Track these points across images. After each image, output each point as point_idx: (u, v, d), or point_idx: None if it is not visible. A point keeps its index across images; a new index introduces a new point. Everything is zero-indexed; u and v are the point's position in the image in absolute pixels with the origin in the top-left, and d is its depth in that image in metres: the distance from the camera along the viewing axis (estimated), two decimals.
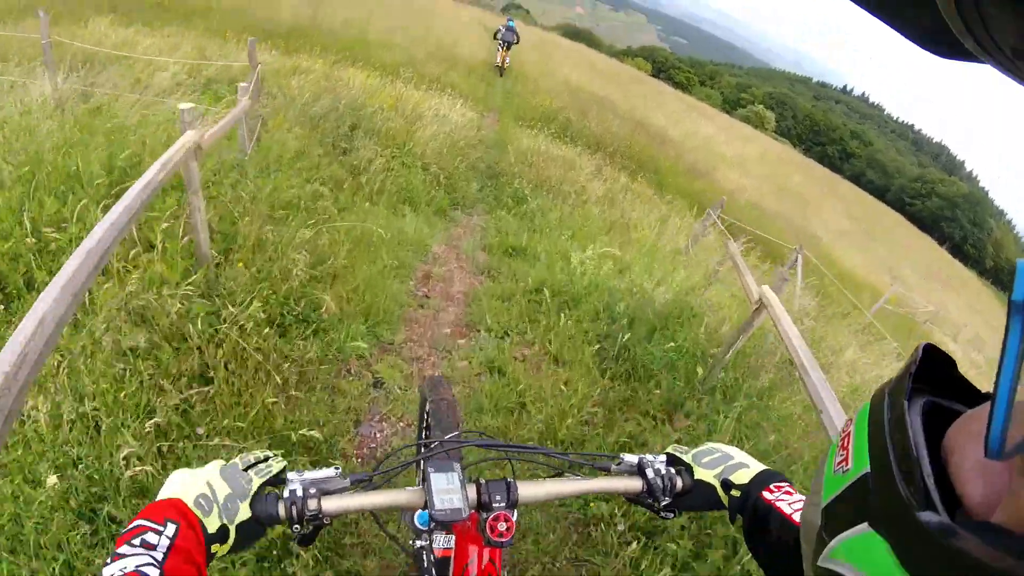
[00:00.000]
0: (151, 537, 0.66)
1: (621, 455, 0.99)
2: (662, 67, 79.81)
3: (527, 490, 0.91)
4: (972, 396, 0.35)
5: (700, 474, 0.93)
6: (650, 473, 0.94)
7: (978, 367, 13.67)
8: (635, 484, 0.94)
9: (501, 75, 14.95)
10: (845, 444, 0.36)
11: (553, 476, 1.01)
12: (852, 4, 0.31)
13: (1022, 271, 0.23)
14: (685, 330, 3.92)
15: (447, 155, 6.75)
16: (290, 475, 0.85)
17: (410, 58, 11.78)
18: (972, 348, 16.20)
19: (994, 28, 0.24)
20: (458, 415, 1.57)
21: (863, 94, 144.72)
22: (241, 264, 3.11)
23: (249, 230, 3.31)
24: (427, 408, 1.62)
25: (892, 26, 0.32)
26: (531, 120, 11.28)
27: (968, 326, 18.09)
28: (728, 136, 23.45)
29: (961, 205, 73.70)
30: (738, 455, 0.94)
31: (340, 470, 0.87)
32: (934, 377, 0.35)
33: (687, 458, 0.96)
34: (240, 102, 3.88)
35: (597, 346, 3.66)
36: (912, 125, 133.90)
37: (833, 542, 0.32)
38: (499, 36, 14.79)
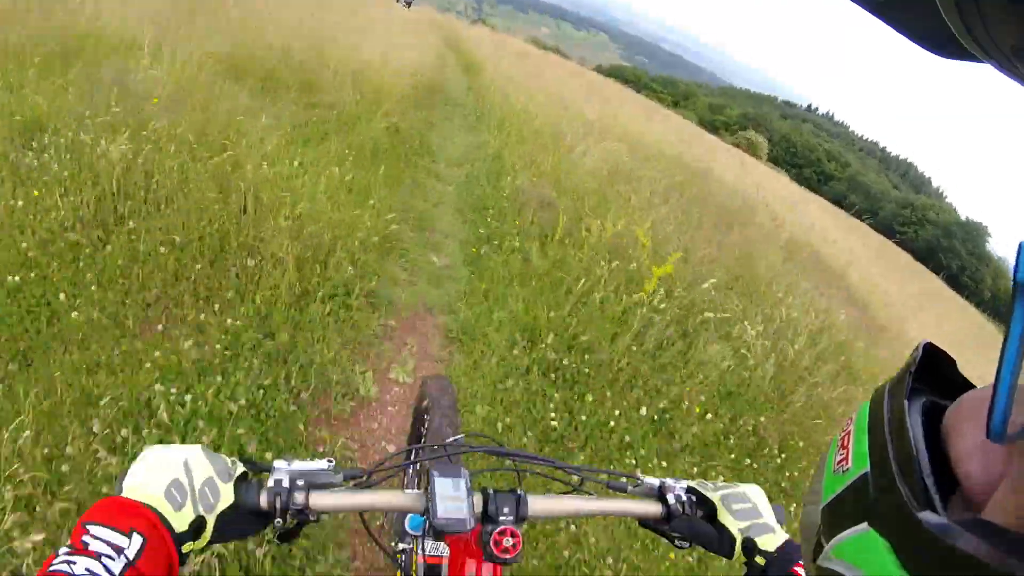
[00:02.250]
0: (108, 549, 0.58)
1: (639, 475, 0.96)
2: (635, 87, 73.89)
3: (538, 505, 0.85)
4: None
5: (724, 520, 0.87)
6: (671, 499, 0.90)
7: None
8: (655, 508, 0.90)
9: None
10: (845, 443, 0.35)
11: (566, 492, 0.96)
12: (851, 3, 0.30)
13: None
14: None
15: None
16: (276, 463, 0.78)
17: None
18: None
19: (994, 28, 0.24)
20: (458, 419, 1.47)
21: (828, 112, 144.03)
22: None
23: None
24: (424, 406, 1.53)
25: (891, 25, 0.31)
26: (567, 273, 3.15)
27: None
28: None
29: (956, 234, 69.47)
30: (767, 514, 0.89)
31: (333, 463, 0.80)
32: (935, 376, 0.34)
33: (714, 497, 0.90)
34: None
35: None
36: (878, 143, 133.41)
37: (833, 542, 0.32)
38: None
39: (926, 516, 0.26)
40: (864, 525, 0.30)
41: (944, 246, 68.25)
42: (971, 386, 0.34)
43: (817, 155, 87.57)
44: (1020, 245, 0.22)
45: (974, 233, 70.43)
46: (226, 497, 0.70)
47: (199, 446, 0.73)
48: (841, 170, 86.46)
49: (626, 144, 6.89)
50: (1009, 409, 0.23)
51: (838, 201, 64.54)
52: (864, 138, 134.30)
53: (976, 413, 0.28)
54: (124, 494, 0.66)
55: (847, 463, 0.34)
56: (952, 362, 0.35)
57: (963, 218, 73.19)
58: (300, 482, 0.76)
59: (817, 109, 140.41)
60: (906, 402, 0.32)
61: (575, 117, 7.57)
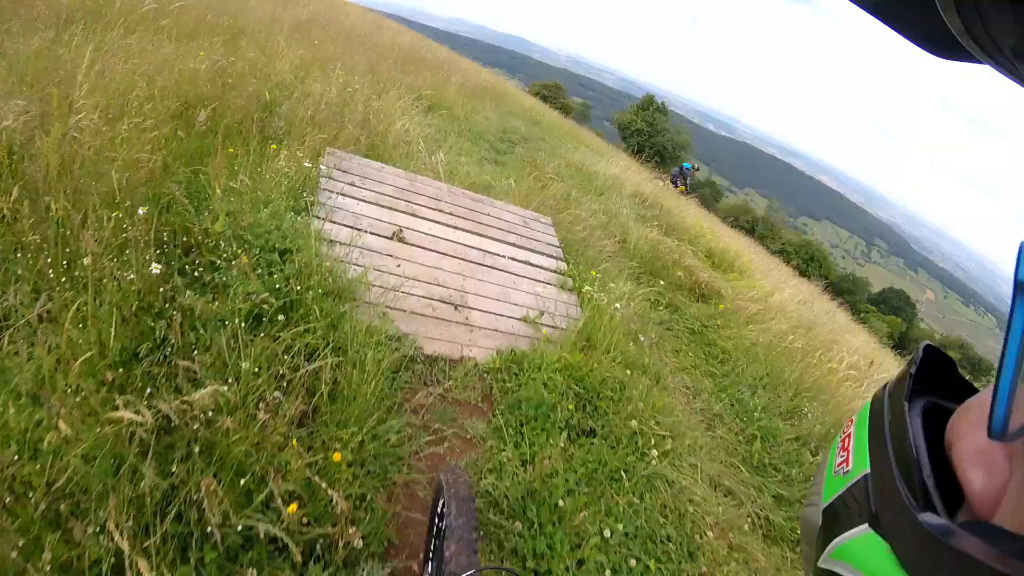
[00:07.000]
0: None
1: None
2: None
3: None
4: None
5: None
6: None
7: None
8: None
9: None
10: (846, 445, 0.35)
11: None
12: (853, 5, 0.30)
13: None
14: None
15: None
16: None
17: None
18: None
19: (993, 29, 0.24)
20: (476, 521, 1.36)
21: None
22: None
23: None
24: (440, 507, 1.43)
25: (892, 27, 0.32)
26: None
27: None
28: None
29: None
30: None
31: None
32: (935, 378, 0.35)
33: None
34: None
35: None
36: None
37: (834, 543, 0.32)
38: (674, 175, 16.70)
39: (926, 518, 0.26)
40: (864, 526, 0.30)
41: None
42: (970, 387, 0.34)
43: None
44: (1021, 245, 0.23)
45: None
46: None
47: None
48: None
49: None
50: (1010, 407, 0.23)
51: None
52: None
53: (977, 419, 0.29)
54: None
55: (847, 465, 0.34)
56: (952, 363, 0.35)
57: None
58: None
59: None
60: (906, 403, 0.32)
61: None
